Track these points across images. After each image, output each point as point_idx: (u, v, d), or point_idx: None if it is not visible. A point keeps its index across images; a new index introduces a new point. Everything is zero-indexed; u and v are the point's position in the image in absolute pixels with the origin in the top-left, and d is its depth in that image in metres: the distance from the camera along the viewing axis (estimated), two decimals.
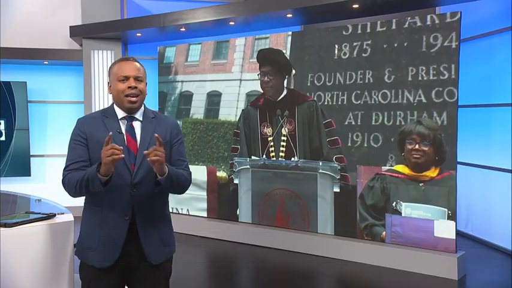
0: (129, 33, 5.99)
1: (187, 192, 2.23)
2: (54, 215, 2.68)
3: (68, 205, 2.97)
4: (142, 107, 2.13)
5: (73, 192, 2.02)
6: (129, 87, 2.03)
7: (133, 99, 2.04)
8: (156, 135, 1.93)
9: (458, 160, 4.13)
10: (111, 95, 2.12)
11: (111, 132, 1.90)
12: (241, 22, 5.37)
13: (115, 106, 2.11)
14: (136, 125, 2.09)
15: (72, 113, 6.59)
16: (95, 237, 2.02)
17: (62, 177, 2.04)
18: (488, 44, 5.00)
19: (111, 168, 1.88)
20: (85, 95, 6.26)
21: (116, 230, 2.00)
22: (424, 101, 4.18)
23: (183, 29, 5.70)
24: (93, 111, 5.98)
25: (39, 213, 2.69)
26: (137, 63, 2.09)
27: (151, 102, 5.97)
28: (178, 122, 5.42)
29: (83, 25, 6.20)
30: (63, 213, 2.73)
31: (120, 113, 2.09)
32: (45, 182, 6.57)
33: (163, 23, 5.60)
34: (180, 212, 5.64)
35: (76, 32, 6.17)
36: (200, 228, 5.41)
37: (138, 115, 2.10)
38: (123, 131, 2.05)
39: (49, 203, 3.18)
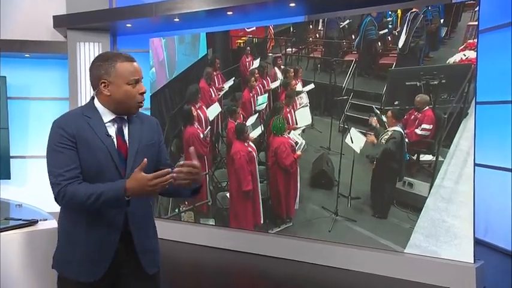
0: (118, 23, 5.99)
1: None
2: (37, 221, 2.68)
3: (52, 210, 2.96)
4: None
5: (77, 206, 1.93)
6: (142, 93, 2.03)
7: (142, 104, 2.07)
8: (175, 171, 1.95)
9: (476, 162, 4.13)
10: (107, 95, 2.01)
11: (146, 160, 1.91)
12: (240, 12, 5.37)
13: (99, 105, 2.04)
14: (124, 127, 2.07)
15: (56, 110, 6.57)
16: (79, 249, 1.99)
17: (57, 188, 1.92)
18: (508, 35, 4.99)
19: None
20: (70, 90, 6.26)
21: (105, 240, 1.98)
22: None
23: (176, 20, 5.69)
24: (70, 110, 5.99)
25: (20, 219, 2.69)
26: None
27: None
28: None
29: (67, 15, 6.20)
30: (46, 220, 2.74)
31: (107, 114, 2.04)
32: (27, 186, 6.57)
33: (156, 12, 5.59)
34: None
35: (60, 22, 6.17)
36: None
37: (126, 116, 2.09)
38: (113, 134, 2.02)
39: (31, 208, 3.18)
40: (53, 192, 1.95)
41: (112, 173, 1.97)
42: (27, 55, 6.51)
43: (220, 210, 5.43)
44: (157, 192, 1.93)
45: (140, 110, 2.14)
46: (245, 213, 5.24)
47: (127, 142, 2.04)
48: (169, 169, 1.91)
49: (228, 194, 5.37)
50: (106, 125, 2.03)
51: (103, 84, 2.01)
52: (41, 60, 6.68)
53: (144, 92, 2.05)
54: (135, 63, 2.04)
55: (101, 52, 6.15)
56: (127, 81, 1.99)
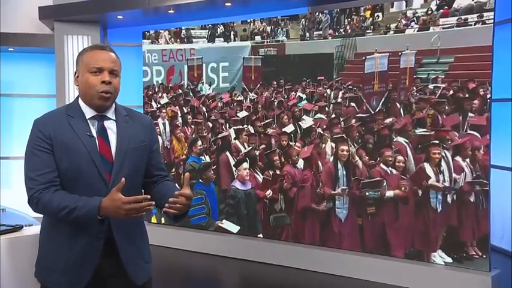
0: (109, 15, 5.97)
1: None
2: (22, 226, 2.67)
3: (37, 215, 2.95)
4: (114, 104, 2.10)
5: (50, 215, 1.97)
6: (103, 81, 1.98)
7: (107, 95, 2.00)
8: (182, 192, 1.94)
9: (491, 163, 4.12)
10: (77, 87, 2.06)
11: (123, 179, 1.86)
12: (239, 3, 5.36)
13: (81, 102, 2.05)
14: (109, 126, 2.05)
15: (43, 108, 6.56)
16: (61, 258, 1.99)
17: (30, 193, 1.96)
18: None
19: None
20: (57, 87, 6.24)
21: (88, 249, 1.97)
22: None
23: (171, 11, 5.68)
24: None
25: (4, 224, 2.68)
26: (113, 54, 2.05)
27: (137, 96, 5.97)
28: None
29: (54, 5, 6.18)
30: (31, 225, 2.73)
31: (88, 112, 2.03)
32: (12, 189, 6.55)
33: (149, 3, 5.58)
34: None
35: (46, 13, 6.15)
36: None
37: (110, 114, 2.07)
38: (94, 134, 2.01)
39: (15, 213, 3.18)
40: (27, 196, 1.97)
41: (94, 177, 1.96)
42: (11, 49, 6.49)
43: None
44: (131, 217, 1.88)
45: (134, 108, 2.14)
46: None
47: (111, 143, 2.02)
48: (148, 196, 1.87)
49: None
50: (89, 122, 2.02)
51: (75, 77, 2.06)
52: (25, 55, 6.66)
53: (106, 82, 1.98)
54: (103, 51, 2.02)
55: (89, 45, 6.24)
56: (88, 69, 1.99)
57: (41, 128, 1.98)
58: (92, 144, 1.98)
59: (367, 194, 4.52)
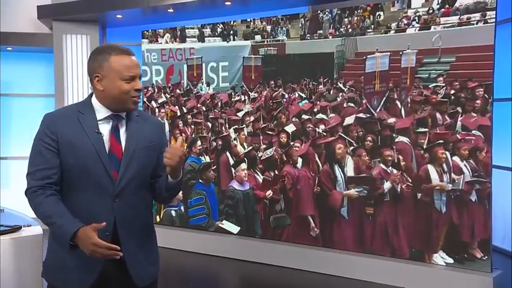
0: (108, 14, 5.99)
1: None
2: (20, 227, 2.69)
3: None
4: None
5: (37, 216, 2.03)
6: (137, 89, 2.02)
7: (138, 100, 2.06)
8: None
9: (493, 163, 4.13)
10: (98, 89, 2.04)
11: (104, 223, 1.86)
12: (239, 2, 5.37)
13: (95, 102, 2.06)
14: (120, 125, 2.08)
15: (42, 107, 6.57)
16: (67, 257, 2.01)
17: (27, 186, 2.02)
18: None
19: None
20: (56, 87, 6.25)
21: None
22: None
23: (171, 10, 5.70)
24: (66, 105, 5.99)
25: (2, 225, 2.70)
26: (135, 57, 2.08)
27: None
28: None
29: (53, 5, 6.19)
30: (30, 226, 2.74)
31: (102, 111, 2.05)
32: (10, 189, 6.56)
33: (148, 2, 5.60)
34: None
35: (45, 12, 6.16)
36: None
37: (123, 113, 2.10)
38: (106, 132, 2.03)
39: (14, 214, 3.19)
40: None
41: (100, 174, 1.98)
42: (10, 48, 6.50)
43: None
44: (96, 257, 1.88)
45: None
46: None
47: (121, 142, 2.05)
48: (117, 247, 1.87)
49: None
50: (99, 122, 2.04)
51: (96, 79, 2.02)
52: (24, 54, 6.67)
53: (139, 89, 2.03)
54: (132, 57, 2.04)
55: (89, 45, 6.28)
56: (121, 76, 1.99)
57: (48, 124, 2.01)
58: (100, 142, 2.01)
59: (355, 190, 4.55)
